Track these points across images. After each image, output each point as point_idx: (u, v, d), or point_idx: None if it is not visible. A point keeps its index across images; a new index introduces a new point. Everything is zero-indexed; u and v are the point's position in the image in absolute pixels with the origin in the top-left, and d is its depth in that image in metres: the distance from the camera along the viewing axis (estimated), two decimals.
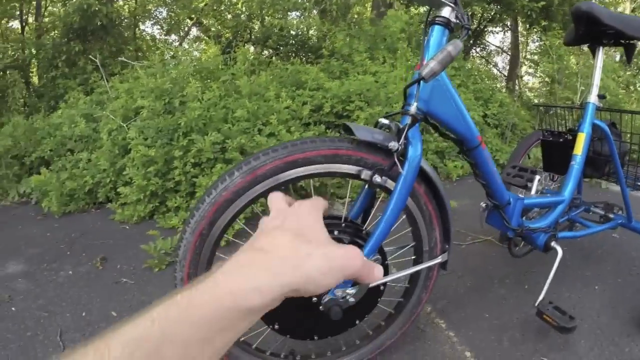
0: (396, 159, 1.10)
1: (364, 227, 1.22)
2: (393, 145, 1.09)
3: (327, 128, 3.54)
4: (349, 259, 0.43)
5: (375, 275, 0.46)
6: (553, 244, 1.67)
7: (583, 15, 1.75)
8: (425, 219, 1.29)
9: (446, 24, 1.16)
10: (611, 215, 2.09)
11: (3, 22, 5.63)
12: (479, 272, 2.14)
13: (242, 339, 1.26)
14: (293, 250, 0.41)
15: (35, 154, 3.52)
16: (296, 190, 2.93)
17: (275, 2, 5.38)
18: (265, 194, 1.10)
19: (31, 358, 1.52)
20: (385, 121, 1.16)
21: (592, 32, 1.82)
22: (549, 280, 1.59)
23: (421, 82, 1.09)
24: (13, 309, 1.84)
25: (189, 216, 1.11)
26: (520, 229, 1.58)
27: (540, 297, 1.55)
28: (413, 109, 1.11)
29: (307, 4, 5.42)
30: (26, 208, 3.25)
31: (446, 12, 1.16)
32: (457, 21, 1.17)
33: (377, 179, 1.11)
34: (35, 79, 5.70)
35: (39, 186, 3.09)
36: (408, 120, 1.11)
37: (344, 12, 5.61)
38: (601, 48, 1.89)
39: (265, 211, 0.55)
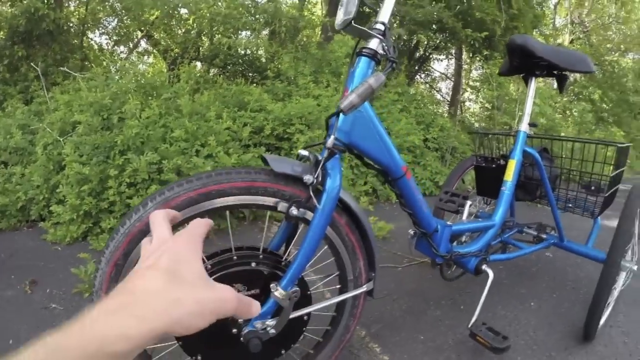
0: (311, 192, 1.10)
1: (283, 258, 1.22)
2: (308, 178, 1.09)
3: (267, 150, 3.55)
4: (222, 302, 0.44)
5: (253, 311, 0.47)
6: (484, 267, 1.71)
7: (517, 48, 1.84)
8: (348, 249, 1.29)
9: (373, 55, 1.17)
10: (544, 236, 2.17)
11: None
12: (414, 295, 2.16)
13: None
14: (162, 294, 0.40)
15: None
16: (232, 213, 2.97)
17: (226, 21, 5.42)
18: (180, 225, 1.06)
19: None
20: (304, 153, 1.16)
21: (525, 63, 1.93)
22: (481, 302, 1.62)
23: (341, 114, 1.09)
24: None
25: (104, 247, 1.10)
26: (449, 255, 1.60)
27: (473, 319, 1.59)
28: (330, 142, 1.11)
29: (257, 25, 5.50)
30: None
31: (374, 44, 1.17)
32: (384, 53, 1.17)
33: (294, 211, 1.11)
34: None
35: None
36: (325, 153, 1.11)
37: (293, 35, 5.70)
38: (533, 78, 2.00)
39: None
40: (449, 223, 1.64)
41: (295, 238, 1.30)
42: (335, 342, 1.42)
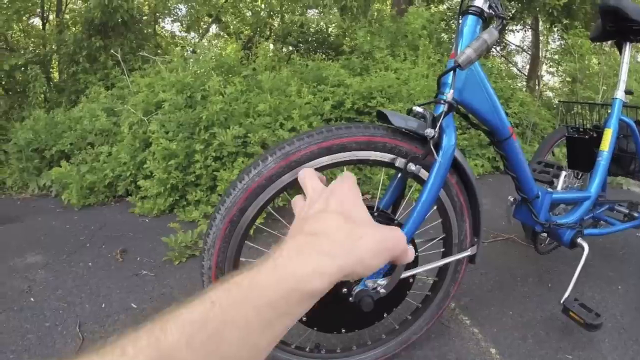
0: (432, 147, 1.07)
1: (395, 218, 1.19)
2: (429, 132, 1.06)
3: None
4: (396, 240, 0.43)
5: (410, 255, 0.46)
6: (579, 240, 1.64)
7: (611, 11, 1.73)
8: (456, 210, 1.26)
9: (480, 13, 1.14)
10: (635, 214, 2.05)
11: (24, 18, 5.67)
12: (501, 270, 2.11)
13: None
14: (346, 233, 0.40)
15: (55, 147, 3.56)
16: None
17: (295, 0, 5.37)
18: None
19: (49, 348, 1.52)
20: (419, 109, 1.13)
21: (619, 27, 1.80)
22: (575, 277, 1.57)
23: (456, 70, 1.06)
24: (32, 299, 1.84)
25: (219, 202, 1.09)
26: (548, 224, 1.56)
27: (566, 294, 1.53)
28: (449, 96, 1.08)
29: (327, 1, 5.39)
30: (46, 201, 3.29)
31: (479, 1, 1.14)
32: (491, 11, 1.14)
33: (412, 167, 1.09)
34: (56, 74, 5.73)
35: (59, 179, 3.12)
36: (443, 108, 1.09)
37: (365, 9, 5.57)
38: (628, 44, 1.88)
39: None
40: (550, 190, 1.59)
41: (406, 198, 1.28)
42: (434, 309, 1.40)
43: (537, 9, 6.07)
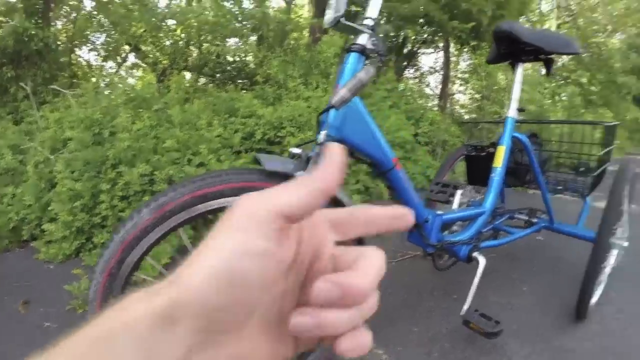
0: None
1: None
2: (300, 174, 1.08)
3: None
4: None
5: None
6: (475, 254, 1.72)
7: (504, 35, 1.86)
8: None
9: (362, 50, 1.18)
10: (534, 220, 2.19)
11: None
12: (408, 287, 2.18)
13: None
14: None
15: None
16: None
17: (214, 29, 5.42)
18: (175, 229, 1.09)
19: None
20: (296, 151, 1.16)
21: (512, 49, 1.94)
22: (472, 289, 1.63)
23: (332, 110, 1.10)
24: None
25: (99, 256, 1.08)
26: (440, 244, 1.62)
27: (466, 307, 1.60)
28: (322, 137, 1.12)
29: (245, 30, 5.50)
30: None
31: (362, 39, 1.19)
32: (373, 47, 1.19)
33: None
34: None
35: None
36: (316, 149, 1.11)
37: (281, 39, 5.71)
38: (521, 64, 2.01)
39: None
40: (439, 212, 1.64)
41: None
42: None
43: (448, 32, 6.45)
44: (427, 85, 9.40)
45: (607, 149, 2.04)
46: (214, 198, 1.08)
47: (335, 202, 1.22)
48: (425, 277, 2.30)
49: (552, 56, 2.03)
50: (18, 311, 2.12)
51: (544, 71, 2.11)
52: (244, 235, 0.27)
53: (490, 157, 1.96)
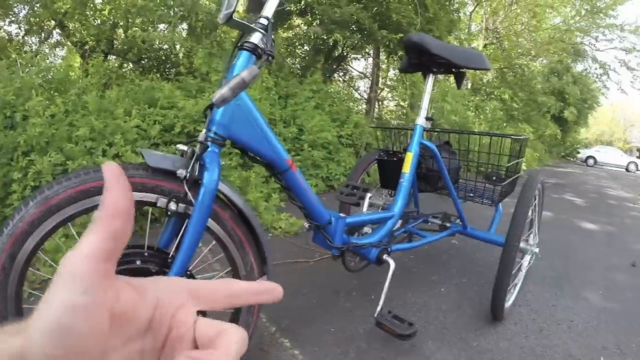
0: (186, 187, 1.11)
1: (170, 254, 1.20)
2: (181, 173, 1.09)
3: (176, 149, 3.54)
4: None
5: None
6: (385, 257, 1.75)
7: (414, 45, 1.89)
8: (236, 243, 1.29)
9: (253, 49, 1.17)
10: (448, 224, 2.26)
11: None
12: (325, 288, 2.19)
13: None
14: None
15: None
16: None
17: (141, 13, 5.30)
18: (63, 223, 1.07)
19: None
20: (183, 147, 1.15)
21: (422, 60, 1.99)
22: (384, 291, 1.65)
23: (214, 107, 1.11)
24: None
25: None
26: (345, 247, 1.62)
27: (378, 308, 1.61)
28: (202, 135, 1.13)
29: (173, 18, 5.41)
30: None
31: (255, 38, 1.18)
32: (264, 47, 1.18)
33: (173, 206, 1.11)
34: None
35: None
36: (197, 146, 1.13)
37: (210, 30, 5.67)
38: (431, 75, 2.06)
39: None
40: (342, 215, 1.66)
41: (181, 233, 1.27)
42: None
43: (377, 40, 6.67)
44: (357, 90, 9.70)
45: (516, 160, 2.14)
46: (98, 194, 1.06)
47: (225, 198, 1.25)
48: (343, 279, 2.30)
49: (463, 70, 2.12)
50: None
51: (470, 85, 2.23)
52: (67, 288, 0.27)
53: (401, 162, 2.01)
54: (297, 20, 7.53)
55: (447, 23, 7.45)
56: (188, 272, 1.21)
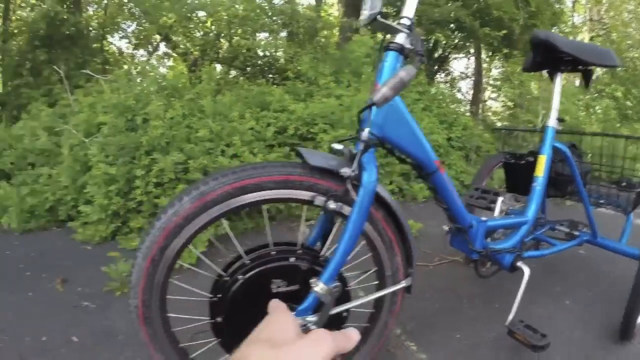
0: (349, 185, 1.10)
1: (320, 254, 1.21)
2: (345, 171, 1.08)
3: (291, 150, 3.54)
4: (317, 344, 0.47)
5: (353, 341, 0.51)
6: (519, 263, 1.69)
7: (541, 43, 1.81)
8: (386, 244, 1.28)
9: (400, 50, 1.17)
10: (576, 233, 2.14)
11: None
12: (447, 293, 2.14)
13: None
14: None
15: None
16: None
17: (244, 23, 5.45)
18: (217, 219, 1.09)
19: None
20: (338, 146, 1.16)
21: (549, 59, 1.90)
22: (517, 299, 1.59)
23: (373, 107, 1.10)
24: None
25: (140, 241, 1.09)
26: (484, 251, 1.58)
27: (510, 317, 1.56)
28: (365, 134, 1.11)
29: (275, 26, 5.51)
30: None
31: (400, 38, 1.17)
32: (412, 47, 1.17)
33: (331, 205, 1.11)
34: None
35: None
36: (361, 146, 1.11)
37: (311, 36, 5.71)
38: (559, 74, 1.97)
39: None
40: (483, 218, 1.62)
41: (332, 234, 1.29)
42: (374, 340, 1.39)
43: (479, 39, 6.40)
44: (459, 91, 9.35)
45: None
46: (255, 190, 1.09)
47: (378, 199, 1.22)
48: (464, 284, 2.25)
49: (591, 68, 2.00)
50: (56, 289, 2.16)
51: (578, 82, 2.06)
52: None
53: (530, 165, 1.93)
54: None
55: (550, 16, 7.09)
56: (348, 291, 1.22)
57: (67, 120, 3.67)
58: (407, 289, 1.37)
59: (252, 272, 1.12)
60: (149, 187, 2.71)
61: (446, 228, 1.61)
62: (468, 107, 8.04)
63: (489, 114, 9.01)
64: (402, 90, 1.05)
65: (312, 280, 1.11)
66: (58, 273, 2.29)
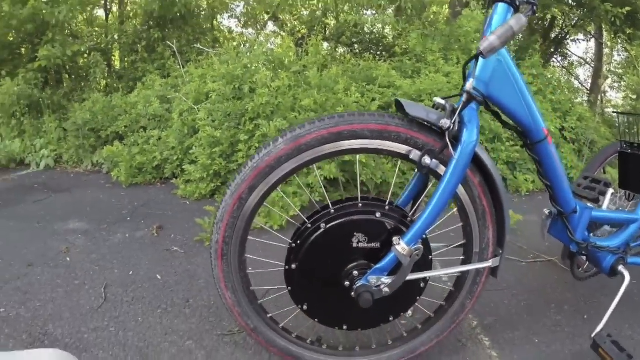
0: (448, 140, 1.03)
1: (409, 214, 1.16)
2: (444, 123, 1.02)
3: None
4: None
5: None
6: (620, 267, 1.49)
7: None
8: (478, 214, 1.19)
9: (510, 1, 1.08)
10: None
11: (88, 9, 6.01)
12: (536, 294, 1.95)
13: (270, 315, 1.25)
14: None
15: (110, 128, 3.80)
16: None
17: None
18: (308, 164, 1.08)
19: (73, 303, 1.62)
20: (441, 101, 1.09)
21: None
22: (611, 308, 1.42)
23: (480, 59, 1.03)
24: (68, 259, 2.00)
25: (231, 180, 1.10)
26: (585, 245, 1.42)
27: (599, 328, 1.39)
28: (469, 85, 1.05)
29: (382, 1, 5.37)
30: (97, 177, 3.54)
31: None
32: None
33: (427, 160, 1.05)
34: (117, 62, 6.02)
35: (110, 157, 3.35)
36: (463, 97, 1.05)
37: (420, 11, 5.51)
38: None
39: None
40: (590, 205, 1.45)
41: (424, 196, 1.24)
42: (447, 322, 1.32)
43: (600, 17, 5.83)
44: (577, 79, 8.58)
45: None
46: (350, 138, 1.05)
47: (477, 162, 1.14)
48: (555, 288, 2.02)
49: None
50: (152, 234, 2.32)
51: None
52: None
53: None
54: None
55: None
56: (424, 236, 1.14)
57: (179, 89, 3.91)
58: (493, 272, 1.28)
59: (335, 222, 1.09)
60: (251, 151, 2.78)
61: (546, 212, 1.45)
62: (585, 98, 7.36)
63: (609, 106, 8.20)
64: (511, 40, 0.99)
65: (394, 238, 1.06)
66: (156, 221, 2.46)
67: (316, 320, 1.20)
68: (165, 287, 1.76)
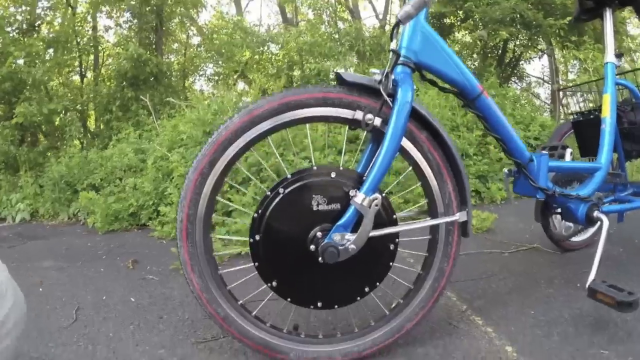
0: (383, 93, 1.11)
1: (364, 174, 1.17)
2: (377, 77, 1.12)
3: None
4: None
5: None
6: (596, 213, 1.53)
7: None
8: (433, 169, 1.23)
9: None
10: None
11: (65, 72, 6.23)
12: (523, 276, 1.94)
13: (241, 302, 1.22)
14: None
15: (86, 181, 3.89)
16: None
17: (313, 49, 5.67)
18: (265, 135, 1.14)
19: (42, 324, 1.61)
20: (375, 70, 1.17)
21: None
22: (598, 254, 1.43)
23: (403, 28, 1.15)
24: (40, 289, 2.01)
25: (194, 157, 1.14)
26: (552, 192, 1.46)
27: (591, 277, 1.39)
28: (393, 44, 1.14)
29: (342, 48, 5.66)
30: (74, 227, 3.57)
31: None
32: None
33: (369, 117, 1.13)
34: (92, 122, 6.19)
35: (87, 205, 3.39)
36: (391, 55, 1.14)
37: (378, 53, 5.78)
38: (608, 10, 1.85)
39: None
40: (544, 152, 1.49)
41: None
42: (429, 290, 1.28)
43: (547, 33, 6.19)
44: (537, 97, 8.89)
45: None
46: (297, 107, 1.13)
47: (421, 120, 1.21)
48: (542, 268, 2.03)
49: None
50: (127, 267, 2.33)
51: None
52: None
53: (599, 119, 1.78)
54: (461, 32, 7.32)
55: None
56: (384, 195, 1.18)
57: (153, 140, 4.03)
58: (464, 231, 1.28)
59: (293, 186, 1.13)
60: (224, 188, 2.83)
61: (506, 171, 1.53)
62: (547, 113, 7.59)
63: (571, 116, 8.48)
64: (423, 8, 1.11)
65: (351, 192, 1.12)
66: (131, 257, 2.46)
67: (288, 299, 1.18)
68: (139, 307, 1.74)
